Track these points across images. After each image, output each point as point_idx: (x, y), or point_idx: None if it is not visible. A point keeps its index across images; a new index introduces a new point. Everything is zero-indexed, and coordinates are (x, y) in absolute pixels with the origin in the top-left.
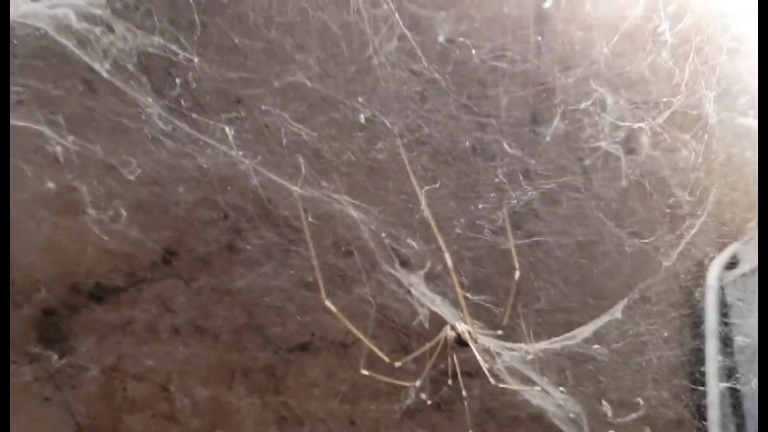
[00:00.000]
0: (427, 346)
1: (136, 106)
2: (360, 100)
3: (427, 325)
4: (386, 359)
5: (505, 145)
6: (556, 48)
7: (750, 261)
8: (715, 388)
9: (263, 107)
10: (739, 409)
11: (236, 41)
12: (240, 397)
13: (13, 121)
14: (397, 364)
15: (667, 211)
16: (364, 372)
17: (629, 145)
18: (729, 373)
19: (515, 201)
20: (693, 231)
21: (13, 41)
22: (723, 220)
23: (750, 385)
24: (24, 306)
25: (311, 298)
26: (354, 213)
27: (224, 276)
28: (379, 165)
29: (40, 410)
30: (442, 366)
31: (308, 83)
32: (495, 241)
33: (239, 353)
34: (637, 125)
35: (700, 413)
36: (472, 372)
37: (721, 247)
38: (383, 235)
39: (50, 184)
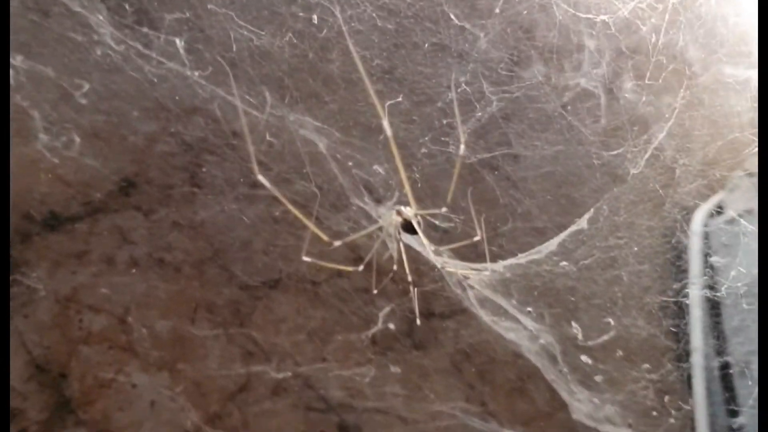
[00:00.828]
0: (371, 228)
1: (87, 25)
2: None
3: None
4: (325, 238)
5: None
6: None
7: (735, 209)
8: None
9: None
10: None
11: None
12: (203, 331)
13: None
14: (336, 243)
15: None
16: (306, 258)
17: (609, 87)
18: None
19: (480, 113)
20: (662, 135)
21: None
22: (708, 169)
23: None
24: None
25: (280, 234)
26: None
27: (186, 209)
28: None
29: None
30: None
31: None
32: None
33: (202, 287)
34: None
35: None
36: (446, 312)
37: (706, 197)
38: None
39: None
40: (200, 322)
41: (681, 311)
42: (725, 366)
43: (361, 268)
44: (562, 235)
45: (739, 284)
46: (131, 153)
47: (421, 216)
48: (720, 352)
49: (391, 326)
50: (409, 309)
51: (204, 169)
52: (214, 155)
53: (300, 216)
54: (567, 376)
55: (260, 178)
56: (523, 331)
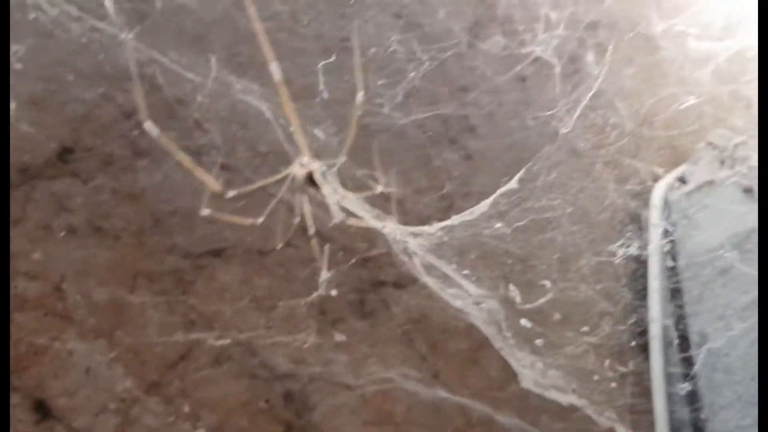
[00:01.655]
0: (271, 179)
1: None
2: None
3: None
4: (218, 187)
5: None
6: None
7: (696, 180)
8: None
9: None
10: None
11: None
12: (143, 299)
13: None
14: (230, 193)
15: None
16: (205, 211)
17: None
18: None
19: (413, 73)
20: (591, 92)
21: None
22: (673, 142)
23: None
24: None
25: (225, 204)
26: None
27: (126, 177)
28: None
29: None
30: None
31: None
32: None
33: (143, 256)
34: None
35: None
36: (400, 283)
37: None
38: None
39: None
40: (140, 290)
41: (616, 273)
42: (684, 336)
43: (260, 220)
44: (493, 197)
45: (698, 256)
46: (69, 120)
47: (327, 168)
48: (678, 323)
49: (333, 293)
50: (357, 276)
51: (144, 136)
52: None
53: (189, 164)
54: (510, 340)
55: (147, 126)
56: (468, 298)
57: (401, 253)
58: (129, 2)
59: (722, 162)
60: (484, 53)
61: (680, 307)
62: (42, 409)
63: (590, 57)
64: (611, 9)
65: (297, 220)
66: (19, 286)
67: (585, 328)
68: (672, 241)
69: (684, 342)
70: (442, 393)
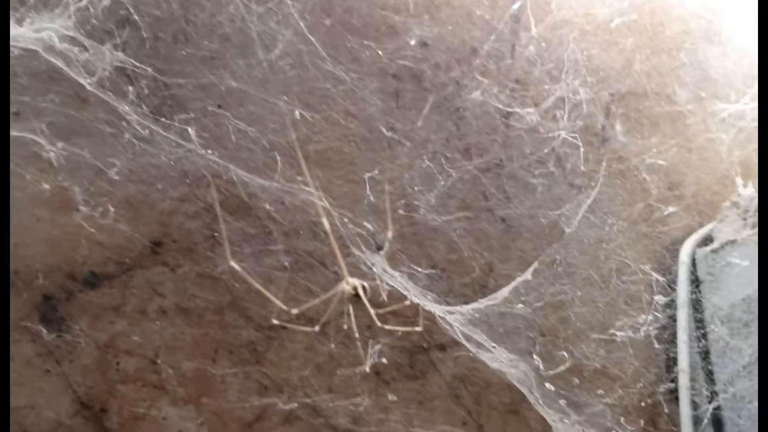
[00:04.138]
0: (323, 297)
1: (116, 112)
2: None
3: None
4: (284, 307)
5: None
6: None
7: (721, 238)
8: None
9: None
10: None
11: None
12: (223, 369)
13: (12, 132)
14: (294, 311)
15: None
16: (275, 321)
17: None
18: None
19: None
20: (589, 200)
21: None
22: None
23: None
24: (24, 292)
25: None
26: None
27: (207, 263)
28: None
29: (42, 381)
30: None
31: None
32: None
33: (222, 331)
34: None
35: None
36: (445, 344)
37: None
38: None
39: (45, 186)
40: (221, 361)
41: (624, 345)
42: (712, 393)
43: (317, 328)
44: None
45: (721, 310)
46: (158, 217)
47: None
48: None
49: (384, 360)
50: (399, 347)
51: (222, 227)
52: (231, 215)
53: (262, 288)
54: (539, 401)
55: (233, 264)
56: (503, 362)
57: (443, 322)
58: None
59: (744, 220)
60: None
61: (707, 359)
62: None
63: None
64: None
65: (345, 327)
66: (121, 362)
67: (600, 391)
68: (698, 296)
69: (711, 393)
70: None
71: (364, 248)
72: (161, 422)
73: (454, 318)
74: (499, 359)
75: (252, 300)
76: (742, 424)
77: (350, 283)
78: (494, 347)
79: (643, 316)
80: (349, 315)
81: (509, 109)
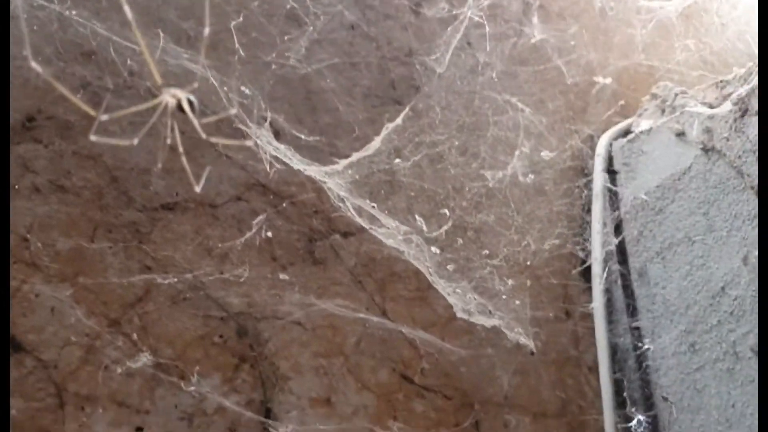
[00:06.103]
0: (142, 106)
1: None
2: None
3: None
4: (91, 112)
5: None
6: None
7: (638, 129)
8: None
9: None
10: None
11: None
12: (103, 246)
13: None
14: (104, 116)
15: None
16: (93, 138)
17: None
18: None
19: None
20: (458, 34)
21: None
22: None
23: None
24: None
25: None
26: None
27: (84, 140)
28: None
29: None
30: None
31: None
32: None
33: (102, 211)
34: None
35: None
36: (349, 231)
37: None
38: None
39: None
40: (100, 240)
41: (506, 198)
42: (625, 273)
43: (135, 141)
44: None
45: (636, 197)
46: (32, 92)
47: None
48: (620, 261)
49: (269, 234)
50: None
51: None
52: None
53: (67, 93)
54: (430, 269)
55: (33, 65)
56: (398, 236)
57: (335, 199)
58: None
59: (663, 111)
60: None
61: (622, 246)
62: (13, 344)
63: None
64: None
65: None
66: None
67: (486, 251)
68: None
69: (625, 279)
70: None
71: None
72: (33, 299)
73: (335, 183)
74: (394, 235)
75: (135, 180)
76: (656, 309)
77: (175, 95)
78: (374, 206)
79: None
80: (173, 130)
81: None
